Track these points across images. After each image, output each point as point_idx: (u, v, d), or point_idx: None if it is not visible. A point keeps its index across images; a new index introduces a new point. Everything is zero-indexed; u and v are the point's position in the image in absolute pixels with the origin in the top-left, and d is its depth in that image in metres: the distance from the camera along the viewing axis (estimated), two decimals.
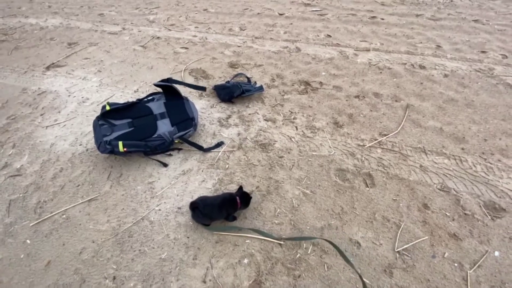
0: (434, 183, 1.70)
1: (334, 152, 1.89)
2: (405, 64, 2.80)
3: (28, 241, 1.56)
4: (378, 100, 2.35)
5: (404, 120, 2.13)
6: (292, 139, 2.01)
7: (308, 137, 2.02)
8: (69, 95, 2.67)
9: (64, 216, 1.65)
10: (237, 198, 1.49)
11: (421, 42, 3.17)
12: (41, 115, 2.45)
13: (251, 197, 1.55)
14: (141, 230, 1.54)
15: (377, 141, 1.96)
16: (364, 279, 1.31)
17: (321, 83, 2.56)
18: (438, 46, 3.08)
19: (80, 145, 2.11)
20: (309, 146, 1.95)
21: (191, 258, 1.41)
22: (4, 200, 1.78)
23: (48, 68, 3.16)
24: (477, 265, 1.35)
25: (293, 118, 2.17)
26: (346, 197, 1.64)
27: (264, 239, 1.46)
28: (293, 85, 2.56)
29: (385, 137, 1.99)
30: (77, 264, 1.43)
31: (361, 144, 1.94)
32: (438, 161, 1.82)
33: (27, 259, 1.49)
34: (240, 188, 1.56)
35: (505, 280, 1.29)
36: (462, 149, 1.89)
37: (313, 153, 1.90)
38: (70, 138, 2.18)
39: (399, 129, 2.06)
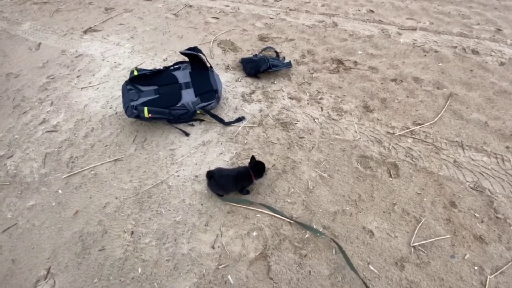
0: (467, 181, 1.56)
1: (360, 138, 1.79)
2: (456, 47, 2.49)
3: (60, 191, 1.72)
4: (417, 85, 2.14)
5: (444, 110, 1.93)
6: (316, 120, 1.92)
7: (333, 119, 1.92)
8: (103, 60, 2.77)
9: (92, 172, 1.79)
10: (251, 172, 1.49)
11: (478, 24, 2.77)
12: (77, 77, 2.59)
13: (264, 166, 1.52)
14: (160, 192, 1.62)
15: (409, 130, 1.81)
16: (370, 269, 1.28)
17: (355, 62, 2.38)
18: (498, 29, 2.67)
19: (110, 108, 2.21)
20: (333, 129, 1.86)
21: (203, 224, 1.47)
22: (40, 153, 1.96)
23: (85, 32, 3.28)
24: (499, 271, 1.25)
25: (320, 98, 2.07)
26: (365, 185, 1.57)
27: (274, 216, 1.47)
28: (324, 63, 2.41)
29: (419, 127, 1.83)
30: (101, 216, 1.56)
31: (391, 131, 1.81)
32: (476, 158, 1.65)
33: (58, 207, 1.65)
34: (253, 158, 1.53)
35: None
36: (507, 147, 1.69)
37: (336, 136, 1.82)
38: (101, 101, 2.29)
39: (436, 119, 1.88)
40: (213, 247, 1.39)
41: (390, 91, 2.10)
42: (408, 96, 2.06)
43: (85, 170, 1.80)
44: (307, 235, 1.40)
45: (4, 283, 1.39)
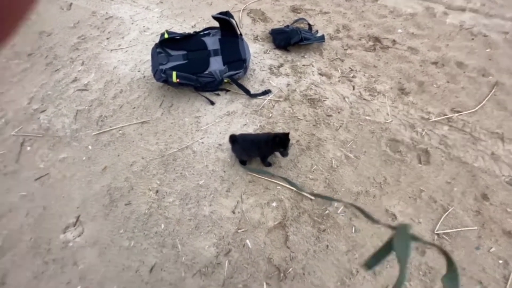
0: (503, 175, 1.47)
1: (391, 121, 1.71)
2: (507, 33, 2.25)
3: (90, 147, 1.79)
4: (460, 71, 1.98)
5: (487, 99, 1.79)
6: (346, 99, 1.85)
7: (364, 99, 1.83)
8: (132, 23, 2.75)
9: (120, 132, 1.84)
10: (276, 138, 1.40)
11: None
12: (107, 38, 2.60)
13: (288, 137, 1.42)
14: (184, 156, 1.66)
15: (446, 116, 1.70)
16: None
17: (394, 41, 2.22)
18: None
19: (139, 71, 2.22)
20: (364, 109, 1.79)
21: (225, 190, 1.49)
22: (72, 109, 2.03)
23: None
24: None
25: (352, 77, 1.97)
26: (392, 169, 1.52)
27: (295, 190, 1.47)
28: (360, 39, 2.26)
29: (457, 114, 1.71)
30: (128, 174, 1.63)
31: (426, 117, 1.71)
32: None
33: (88, 162, 1.73)
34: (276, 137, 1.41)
35: None
36: None
37: (367, 117, 1.74)
38: (130, 64, 2.30)
39: (477, 108, 1.75)
40: (233, 212, 1.42)
41: (429, 74, 1.96)
42: (448, 82, 1.92)
43: (113, 129, 1.85)
44: (327, 212, 1.40)
45: (35, 226, 1.51)
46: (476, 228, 1.31)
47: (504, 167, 1.50)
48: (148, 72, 2.17)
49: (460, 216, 1.35)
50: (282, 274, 1.24)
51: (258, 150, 1.49)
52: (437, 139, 1.62)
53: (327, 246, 1.30)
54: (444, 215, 1.35)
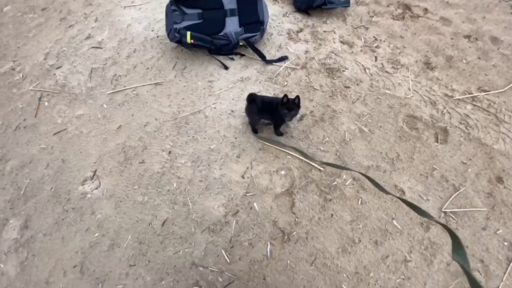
0: None
1: (412, 96, 1.63)
2: None
3: (105, 106, 1.82)
4: (494, 47, 1.82)
5: None
6: (367, 70, 1.76)
7: (386, 72, 1.74)
8: None
9: (134, 92, 1.84)
10: (284, 98, 1.33)
11: None
12: None
13: (299, 98, 1.33)
14: (197, 120, 1.66)
15: (471, 95, 1.61)
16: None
17: (425, 10, 2.04)
18: None
19: (152, 30, 2.16)
20: (384, 82, 1.70)
21: (235, 156, 1.51)
22: (87, 67, 2.02)
23: None
24: None
25: (376, 47, 1.85)
26: (407, 145, 1.49)
27: (305, 160, 1.47)
28: (388, 6, 2.09)
29: (483, 93, 1.62)
30: (142, 134, 1.66)
31: (450, 94, 1.62)
32: None
33: (103, 120, 1.76)
34: (285, 96, 1.33)
35: None
36: None
37: (386, 91, 1.67)
38: (144, 22, 2.23)
39: (506, 88, 1.64)
40: (242, 177, 1.45)
41: (459, 49, 1.82)
42: (479, 58, 1.78)
43: (127, 89, 1.86)
44: (335, 183, 1.41)
45: (55, 178, 1.59)
46: (485, 209, 1.30)
47: None
48: (162, 31, 2.10)
49: (471, 197, 1.33)
50: (286, 237, 1.30)
51: (272, 114, 1.45)
52: (458, 118, 1.55)
53: (332, 215, 1.33)
54: (455, 195, 1.34)
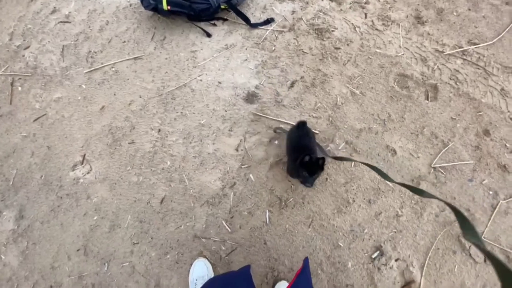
0: (509, 111, 1.45)
1: (403, 54, 1.59)
2: None
3: (84, 86, 1.71)
4: None
5: (506, 30, 1.63)
6: (357, 29, 1.68)
7: (377, 29, 1.67)
8: None
9: (113, 69, 1.73)
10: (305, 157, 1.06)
11: None
12: None
13: (324, 159, 1.06)
14: (183, 95, 1.59)
15: (461, 49, 1.58)
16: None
17: None
18: None
19: None
20: (375, 41, 1.64)
21: (227, 129, 1.49)
22: (57, 45, 1.86)
23: None
24: None
25: (365, 2, 1.75)
26: (398, 105, 1.49)
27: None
28: None
29: (473, 47, 1.59)
30: (127, 113, 1.59)
31: (440, 50, 1.59)
32: None
33: (84, 101, 1.67)
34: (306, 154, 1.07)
35: None
36: None
37: (377, 50, 1.62)
38: None
39: (495, 40, 1.61)
40: (236, 150, 1.44)
41: (450, 0, 1.75)
42: (470, 9, 1.72)
43: (105, 66, 1.73)
44: (328, 148, 1.42)
45: (43, 165, 1.54)
46: (472, 162, 1.36)
47: (511, 103, 1.47)
48: None
49: (459, 151, 1.38)
50: (283, 203, 1.33)
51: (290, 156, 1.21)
52: (448, 73, 1.54)
53: (326, 178, 1.36)
54: (443, 150, 1.38)
